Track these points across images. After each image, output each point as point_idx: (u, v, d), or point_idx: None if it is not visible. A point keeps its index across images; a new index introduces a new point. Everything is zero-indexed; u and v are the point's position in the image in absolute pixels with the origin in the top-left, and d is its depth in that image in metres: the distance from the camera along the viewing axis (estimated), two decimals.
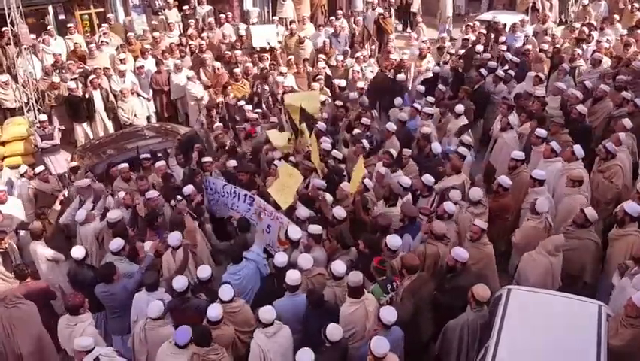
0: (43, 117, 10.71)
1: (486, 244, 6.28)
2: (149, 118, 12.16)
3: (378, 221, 6.59)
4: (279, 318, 5.19)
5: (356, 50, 13.16)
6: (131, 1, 15.69)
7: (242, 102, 10.75)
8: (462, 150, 7.93)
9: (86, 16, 15.56)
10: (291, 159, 8.17)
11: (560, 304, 5.25)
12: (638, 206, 6.28)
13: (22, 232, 7.45)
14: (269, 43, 13.06)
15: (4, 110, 11.98)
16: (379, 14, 14.93)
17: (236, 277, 5.99)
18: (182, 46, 13.18)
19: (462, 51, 12.30)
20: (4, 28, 11.75)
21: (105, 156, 9.05)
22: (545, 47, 11.90)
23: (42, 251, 6.80)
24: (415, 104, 9.57)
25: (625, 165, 7.57)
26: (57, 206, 7.68)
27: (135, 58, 12.67)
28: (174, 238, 6.37)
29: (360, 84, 11.13)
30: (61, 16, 15.06)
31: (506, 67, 11.07)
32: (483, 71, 10.49)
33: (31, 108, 11.43)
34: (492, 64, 10.97)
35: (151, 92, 12.13)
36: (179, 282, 5.59)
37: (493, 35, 13.12)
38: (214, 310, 5.15)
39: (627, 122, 8.14)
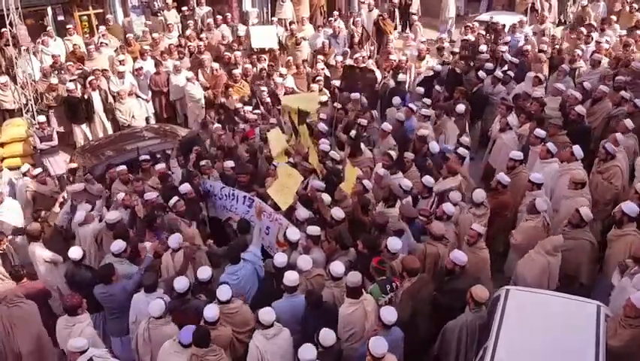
0: (42, 118, 10.71)
1: (482, 249, 6.28)
2: (147, 119, 12.15)
3: (375, 220, 6.61)
4: (278, 319, 5.18)
5: (355, 51, 13.17)
6: (130, 2, 15.69)
7: (239, 105, 10.75)
8: (462, 150, 7.94)
9: (85, 17, 15.56)
10: (290, 159, 8.15)
11: (558, 305, 5.25)
12: (636, 206, 6.29)
13: (18, 238, 7.44)
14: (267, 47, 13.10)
15: (3, 111, 11.97)
16: (379, 15, 14.93)
17: (234, 278, 5.99)
18: (180, 47, 13.19)
19: (464, 52, 12.32)
20: (3, 30, 11.75)
21: (104, 158, 9.06)
22: (544, 47, 11.91)
23: (40, 253, 6.81)
24: (411, 105, 9.58)
25: (623, 166, 7.58)
26: (57, 208, 7.68)
27: (134, 59, 12.66)
28: (174, 239, 6.37)
29: None
30: (60, 18, 15.07)
31: (505, 67, 11.08)
32: (481, 73, 10.49)
33: (30, 109, 11.44)
34: (489, 65, 10.97)
35: (150, 93, 12.13)
36: (181, 283, 5.59)
37: (492, 36, 13.14)
38: (211, 311, 5.14)
39: (629, 122, 8.15)
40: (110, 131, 11.54)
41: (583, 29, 12.86)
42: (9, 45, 11.38)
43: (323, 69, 11.91)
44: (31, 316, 5.88)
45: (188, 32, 13.91)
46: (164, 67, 12.17)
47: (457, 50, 12.53)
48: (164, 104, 12.27)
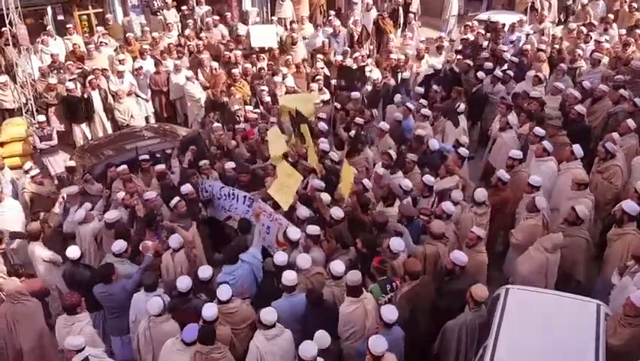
0: (42, 118, 10.71)
1: (480, 252, 6.26)
2: (147, 119, 12.14)
3: (375, 218, 6.61)
4: (277, 319, 5.16)
5: (355, 50, 13.17)
6: (129, 2, 15.68)
7: (237, 107, 10.73)
8: (462, 150, 7.94)
9: (85, 16, 15.55)
10: (289, 159, 8.14)
11: (558, 304, 5.25)
12: (636, 205, 6.29)
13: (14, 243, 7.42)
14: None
15: (3, 110, 11.94)
16: (378, 14, 14.92)
17: (231, 277, 5.97)
18: (180, 46, 13.18)
19: (465, 51, 12.32)
20: (3, 29, 11.75)
21: (104, 157, 9.04)
22: (543, 46, 11.90)
23: (40, 252, 6.81)
24: (409, 104, 9.58)
25: (622, 166, 7.57)
26: (56, 209, 7.68)
27: (134, 58, 12.65)
28: (175, 240, 6.37)
29: None
30: (60, 17, 15.07)
31: (505, 67, 11.07)
32: (480, 74, 10.48)
33: (30, 109, 11.42)
34: (489, 65, 10.97)
35: (149, 92, 12.12)
36: (183, 282, 5.60)
37: (493, 35, 13.13)
38: (209, 310, 5.13)
39: (631, 122, 8.15)
40: (110, 131, 11.53)
41: (583, 28, 12.84)
42: (9, 45, 11.38)
43: (322, 68, 11.90)
44: (34, 313, 5.89)
45: (187, 32, 13.89)
46: (164, 66, 12.16)
47: (460, 48, 12.52)
48: (164, 104, 12.25)
